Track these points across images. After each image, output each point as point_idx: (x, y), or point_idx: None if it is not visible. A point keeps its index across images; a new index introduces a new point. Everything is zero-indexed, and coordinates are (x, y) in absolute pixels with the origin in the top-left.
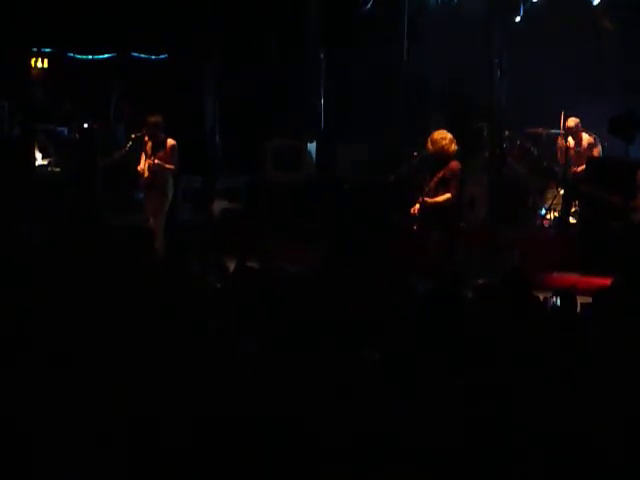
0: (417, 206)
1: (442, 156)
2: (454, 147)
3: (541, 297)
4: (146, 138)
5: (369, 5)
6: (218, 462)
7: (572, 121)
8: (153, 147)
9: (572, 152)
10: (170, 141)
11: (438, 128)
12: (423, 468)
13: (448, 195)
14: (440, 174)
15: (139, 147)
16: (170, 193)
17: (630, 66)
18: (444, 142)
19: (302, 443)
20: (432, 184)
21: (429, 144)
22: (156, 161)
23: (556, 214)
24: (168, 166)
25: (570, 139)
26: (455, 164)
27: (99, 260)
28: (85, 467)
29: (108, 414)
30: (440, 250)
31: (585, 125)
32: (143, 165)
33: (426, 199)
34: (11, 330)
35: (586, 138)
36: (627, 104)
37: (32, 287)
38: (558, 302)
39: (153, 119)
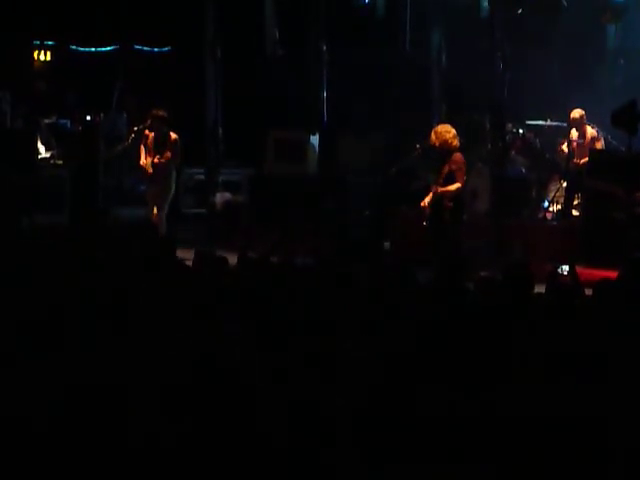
0: (427, 199)
1: (445, 149)
2: (457, 142)
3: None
4: (147, 131)
5: None
6: None
7: (577, 112)
8: (155, 141)
9: (575, 144)
10: (173, 135)
11: (440, 120)
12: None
13: (458, 184)
14: (446, 169)
15: (140, 140)
16: (173, 185)
17: (630, 59)
18: (448, 135)
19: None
20: (440, 180)
21: (433, 136)
22: (162, 160)
23: (559, 206)
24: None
25: (573, 131)
26: (459, 156)
27: (103, 253)
28: None
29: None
30: (444, 241)
31: (587, 118)
32: (144, 160)
33: (438, 188)
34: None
35: (589, 130)
36: (629, 96)
37: (34, 280)
38: (564, 271)
39: (159, 113)
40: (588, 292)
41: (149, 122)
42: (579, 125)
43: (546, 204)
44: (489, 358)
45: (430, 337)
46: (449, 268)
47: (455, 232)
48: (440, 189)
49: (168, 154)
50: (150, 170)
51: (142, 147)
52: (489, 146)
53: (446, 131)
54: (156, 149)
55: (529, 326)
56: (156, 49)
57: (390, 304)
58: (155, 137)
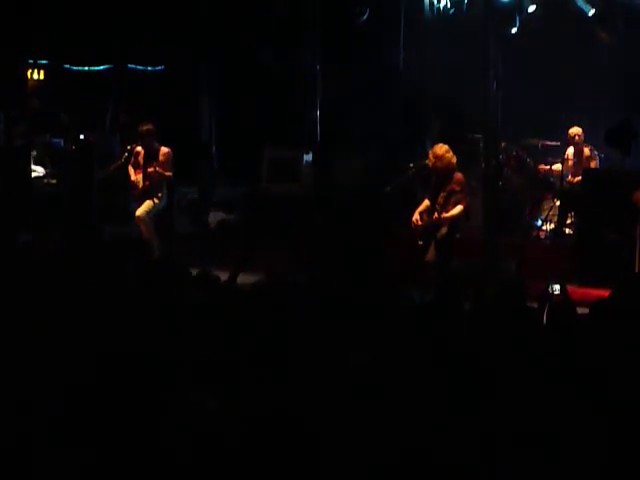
0: (416, 217)
1: (448, 170)
2: (455, 160)
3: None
4: (138, 149)
5: (365, 17)
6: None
7: (576, 129)
8: (146, 156)
9: (569, 163)
10: (164, 149)
11: (434, 140)
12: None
13: (461, 207)
14: (448, 188)
15: (131, 158)
16: (162, 200)
17: (628, 78)
18: (448, 155)
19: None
20: (440, 199)
21: (434, 160)
22: (157, 169)
23: (552, 225)
24: (167, 173)
25: (569, 149)
26: (460, 175)
27: (97, 272)
28: None
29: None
30: (437, 260)
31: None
32: (135, 176)
33: (443, 215)
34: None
35: (584, 150)
36: (624, 116)
37: (29, 300)
38: (556, 290)
39: (145, 127)
40: (582, 311)
41: (139, 138)
42: (577, 143)
43: (539, 223)
44: (485, 377)
45: (425, 356)
46: (445, 287)
47: (448, 251)
48: (443, 215)
49: (161, 163)
50: (141, 184)
51: (130, 166)
52: (483, 165)
53: (445, 151)
54: (147, 163)
55: (521, 343)
56: (150, 68)
57: (387, 322)
58: (146, 153)
